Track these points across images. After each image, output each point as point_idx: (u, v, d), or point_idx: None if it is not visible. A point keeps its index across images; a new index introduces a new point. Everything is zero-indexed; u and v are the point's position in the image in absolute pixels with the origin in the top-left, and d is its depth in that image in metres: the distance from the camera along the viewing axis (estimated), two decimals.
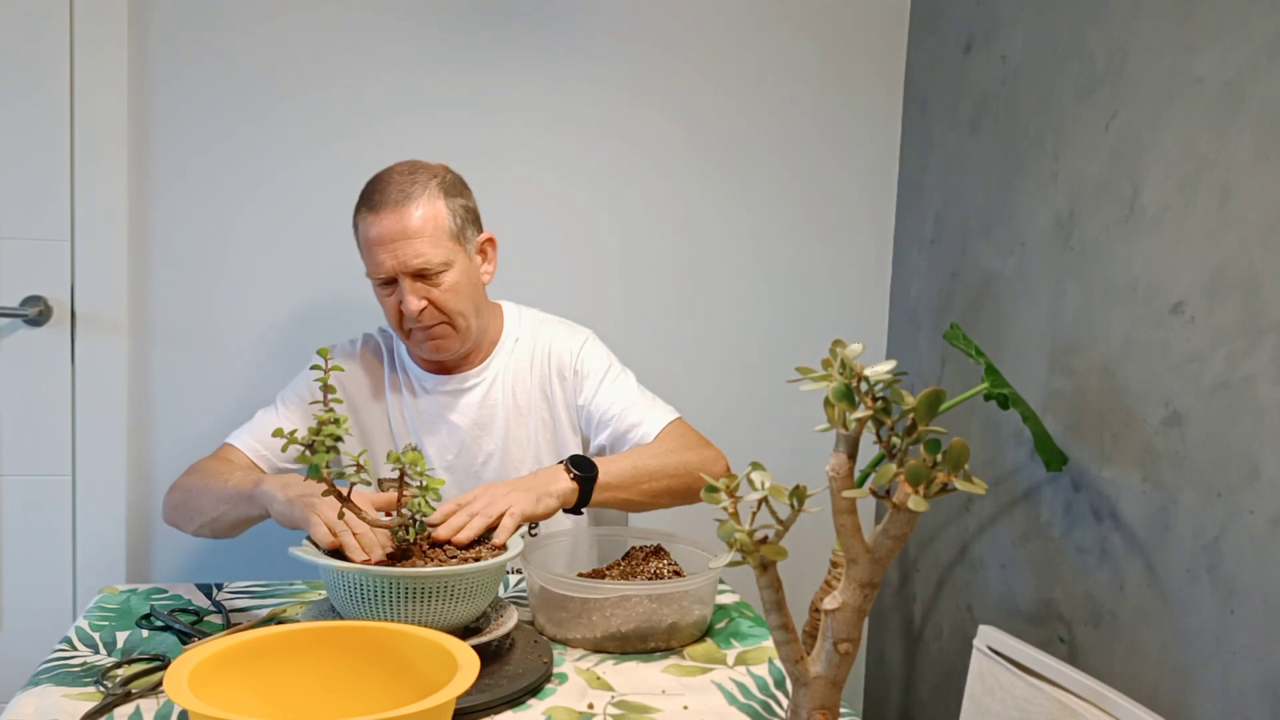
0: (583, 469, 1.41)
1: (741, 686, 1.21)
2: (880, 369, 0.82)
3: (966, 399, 1.63)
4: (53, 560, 1.95)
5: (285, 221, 2.00)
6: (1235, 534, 1.35)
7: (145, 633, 1.32)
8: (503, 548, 1.25)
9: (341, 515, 1.20)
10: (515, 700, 1.14)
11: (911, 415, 0.81)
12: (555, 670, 1.23)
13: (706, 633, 1.37)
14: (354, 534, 1.21)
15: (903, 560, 2.22)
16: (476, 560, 1.20)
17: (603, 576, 1.40)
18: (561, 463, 1.42)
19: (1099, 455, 1.60)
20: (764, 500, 0.86)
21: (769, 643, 1.34)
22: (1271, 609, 1.30)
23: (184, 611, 1.38)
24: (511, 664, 1.20)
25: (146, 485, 1.98)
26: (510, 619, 1.24)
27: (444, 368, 1.61)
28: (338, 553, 1.20)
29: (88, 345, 1.92)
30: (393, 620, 1.13)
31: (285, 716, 0.94)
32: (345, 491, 1.19)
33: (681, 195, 2.17)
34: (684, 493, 1.50)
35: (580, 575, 1.38)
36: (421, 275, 1.49)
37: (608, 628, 1.29)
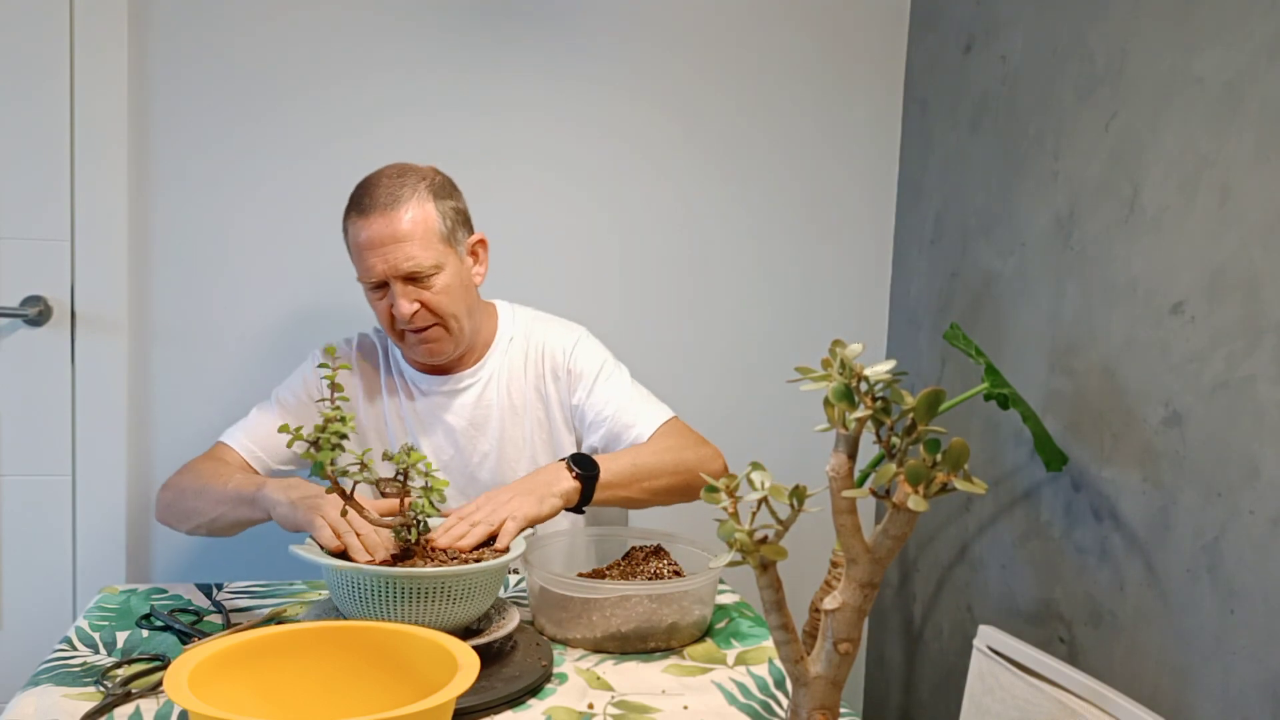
0: (584, 467, 1.41)
1: (741, 686, 1.21)
2: (880, 369, 0.82)
3: (966, 399, 1.63)
4: (53, 560, 1.95)
5: (285, 221, 2.00)
6: (1235, 534, 1.35)
7: (145, 633, 1.32)
8: (505, 549, 1.25)
9: (345, 514, 1.20)
10: (515, 700, 1.14)
11: (911, 415, 0.81)
12: (555, 670, 1.23)
13: (706, 633, 1.37)
14: (358, 534, 1.21)
15: (903, 560, 2.22)
16: (478, 561, 1.20)
17: (603, 576, 1.40)
18: (563, 461, 1.42)
19: (1099, 455, 1.60)
20: (764, 500, 0.86)
21: (769, 643, 1.34)
22: (1271, 609, 1.30)
23: (184, 611, 1.38)
24: (512, 664, 1.20)
25: (146, 485, 1.98)
26: (512, 620, 1.24)
27: (439, 368, 1.61)
28: (341, 552, 1.20)
29: (88, 345, 1.92)
30: (395, 620, 1.13)
31: (285, 716, 0.94)
32: (349, 490, 1.19)
33: (681, 195, 2.17)
34: (684, 490, 1.50)
35: (580, 575, 1.38)
36: (413, 278, 1.48)
37: (608, 628, 1.29)
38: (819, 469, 1.85)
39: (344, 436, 1.16)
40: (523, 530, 1.29)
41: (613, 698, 1.17)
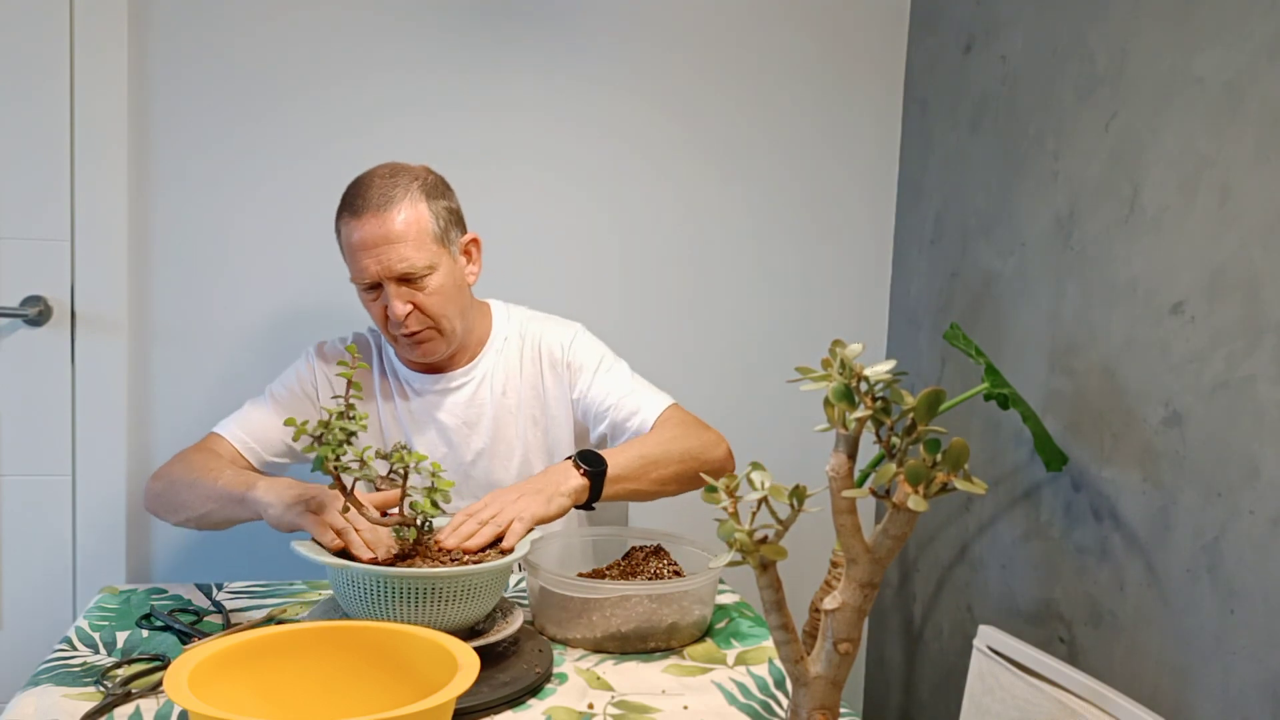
0: (592, 463, 1.40)
1: (741, 686, 1.21)
2: (880, 369, 0.82)
3: (966, 399, 1.63)
4: (53, 560, 1.95)
5: (285, 221, 2.00)
6: (1235, 534, 1.35)
7: (145, 633, 1.32)
8: (510, 549, 1.25)
9: (346, 511, 1.20)
10: (515, 700, 1.14)
11: (911, 415, 0.81)
12: (555, 670, 1.23)
13: (706, 633, 1.37)
14: (358, 532, 1.21)
15: (903, 560, 2.22)
16: (479, 562, 1.20)
17: (603, 576, 1.40)
18: (569, 459, 1.41)
19: (1099, 455, 1.60)
20: (764, 500, 0.86)
21: (769, 643, 1.34)
22: (1271, 609, 1.30)
23: (184, 611, 1.38)
24: (512, 664, 1.20)
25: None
26: (515, 621, 1.24)
27: (432, 367, 1.61)
28: (344, 551, 1.20)
29: (88, 345, 1.92)
30: (400, 620, 1.13)
31: (285, 716, 0.94)
32: (349, 486, 1.19)
33: (681, 195, 2.17)
34: (692, 478, 1.49)
35: (580, 575, 1.38)
36: (406, 279, 1.48)
37: (608, 628, 1.29)
38: (819, 469, 1.85)
39: (353, 434, 1.17)
40: (530, 531, 1.28)
41: (613, 698, 1.17)
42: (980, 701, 1.33)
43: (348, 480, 1.19)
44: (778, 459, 2.06)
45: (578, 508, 1.40)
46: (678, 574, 1.39)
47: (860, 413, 0.82)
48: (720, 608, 1.45)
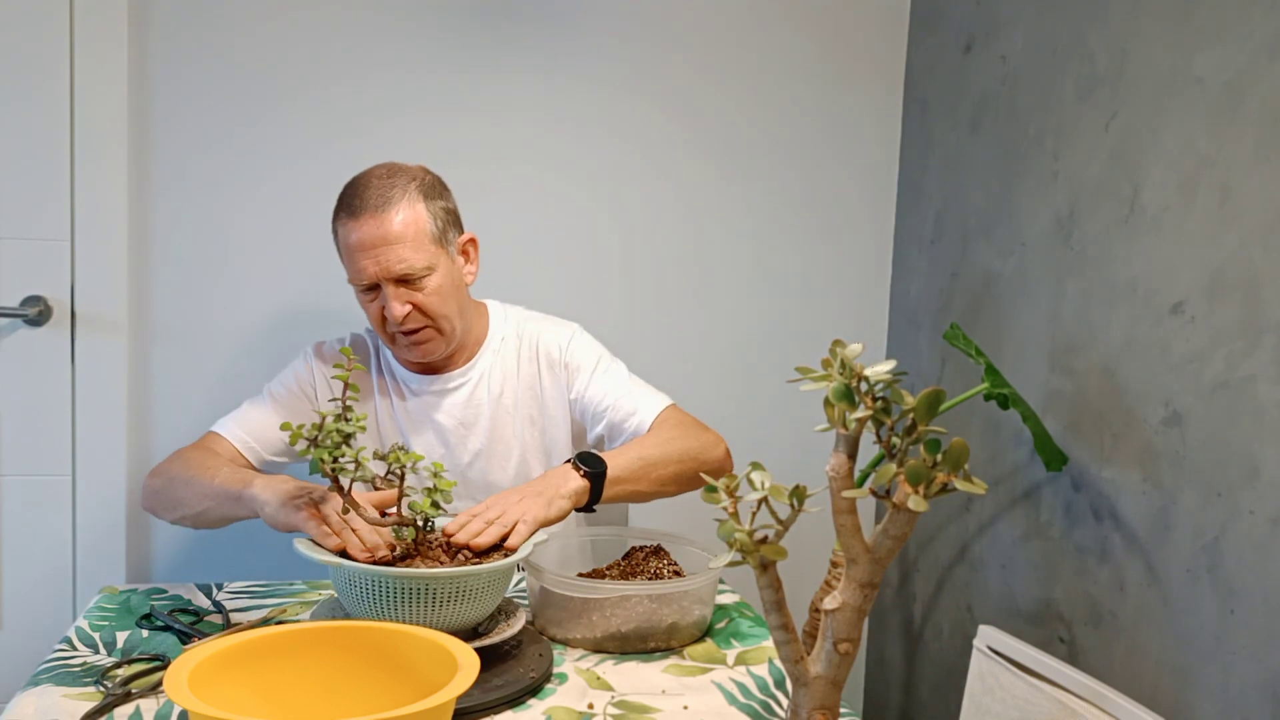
0: (592, 465, 1.39)
1: (741, 686, 1.21)
2: (880, 369, 0.82)
3: (966, 399, 1.63)
4: (53, 560, 1.95)
5: (285, 221, 2.00)
6: (1235, 534, 1.35)
7: (145, 633, 1.32)
8: (514, 549, 1.24)
9: (346, 512, 1.20)
10: (515, 700, 1.14)
11: (911, 415, 0.81)
12: (555, 670, 1.23)
13: (706, 633, 1.37)
14: (356, 532, 1.21)
15: (903, 560, 2.22)
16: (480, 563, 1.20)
17: (603, 576, 1.40)
18: (569, 461, 1.41)
19: (1099, 455, 1.60)
20: (764, 500, 0.86)
21: (769, 643, 1.34)
22: (1271, 609, 1.30)
23: (184, 611, 1.38)
24: (510, 666, 1.19)
25: None
26: (518, 622, 1.24)
27: (430, 368, 1.61)
28: (345, 550, 1.20)
29: (88, 345, 1.92)
30: (403, 620, 1.13)
31: (285, 716, 0.94)
32: (345, 487, 1.19)
33: (681, 195, 2.17)
34: (691, 478, 1.49)
35: (580, 575, 1.38)
36: (404, 280, 1.48)
37: (608, 628, 1.29)
38: (819, 469, 1.85)
39: (349, 436, 1.16)
40: (533, 534, 1.28)
41: (613, 698, 1.17)
42: (980, 701, 1.33)
43: (344, 482, 1.19)
44: (778, 459, 2.06)
45: (578, 510, 1.39)
46: (678, 574, 1.39)
47: (860, 413, 0.82)
48: (720, 608, 1.45)
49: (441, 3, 2.03)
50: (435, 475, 1.22)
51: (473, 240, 1.59)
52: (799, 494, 0.85)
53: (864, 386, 0.82)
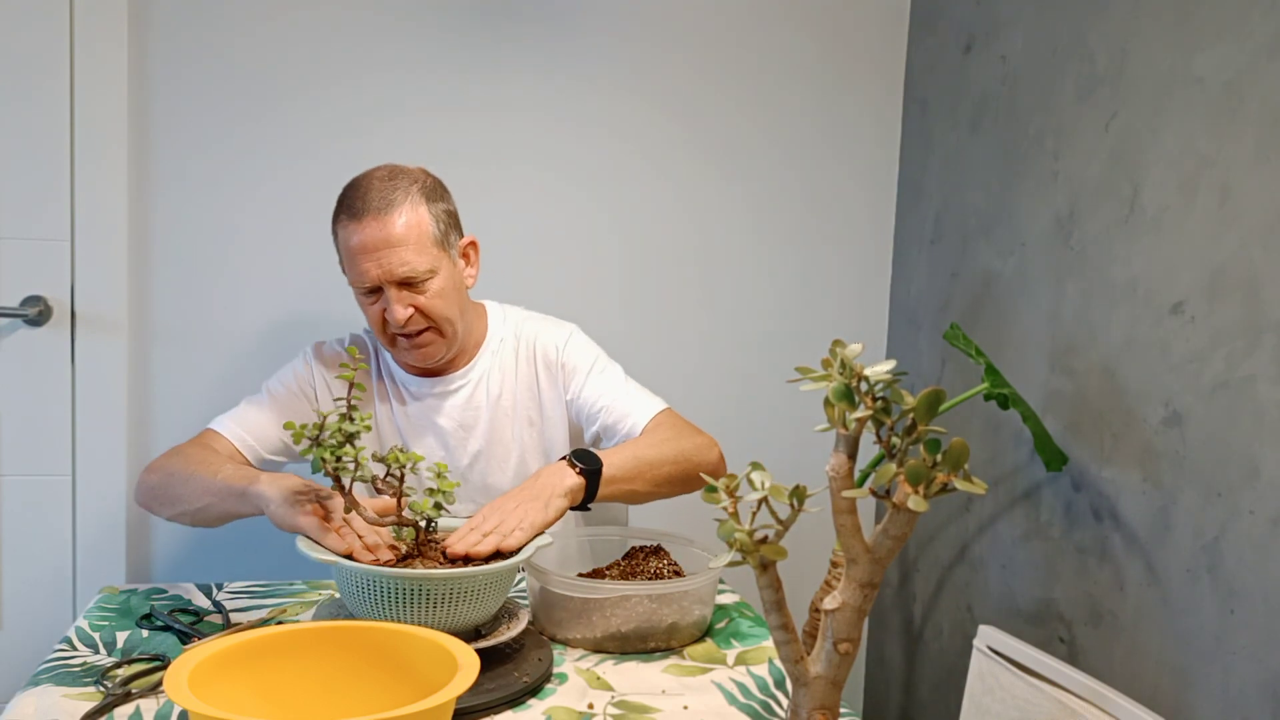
0: (587, 462, 1.39)
1: (741, 686, 1.21)
2: (880, 369, 0.82)
3: (966, 399, 1.63)
4: (53, 560, 1.95)
5: (285, 221, 2.00)
6: (1235, 534, 1.35)
7: (145, 633, 1.32)
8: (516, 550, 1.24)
9: (347, 511, 1.20)
10: (515, 700, 1.14)
11: (911, 415, 0.81)
12: (555, 670, 1.23)
13: (706, 633, 1.37)
14: (360, 536, 1.21)
15: (903, 560, 2.22)
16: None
17: (603, 576, 1.40)
18: (564, 458, 1.40)
19: (1099, 455, 1.60)
20: (764, 500, 0.86)
21: (769, 643, 1.34)
22: (1271, 609, 1.30)
23: (184, 611, 1.38)
24: (511, 664, 1.20)
25: None
26: (520, 622, 1.24)
27: (429, 370, 1.60)
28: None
29: (88, 345, 1.92)
30: (406, 621, 1.13)
31: (285, 716, 0.94)
32: (346, 486, 1.19)
33: (681, 195, 2.17)
34: (685, 480, 1.49)
35: (580, 575, 1.38)
36: (407, 283, 1.47)
37: (608, 628, 1.29)
38: (819, 469, 1.85)
39: (352, 435, 1.16)
40: (532, 539, 1.27)
41: (613, 698, 1.17)
42: (980, 701, 1.33)
43: (345, 481, 1.19)
44: (778, 459, 2.07)
45: (574, 509, 1.39)
46: (678, 574, 1.39)
47: (860, 413, 0.82)
48: (720, 608, 1.45)
49: (441, 3, 2.03)
50: (439, 476, 1.22)
51: (473, 243, 1.59)
52: (799, 494, 0.85)
53: (864, 386, 0.82)
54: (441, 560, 1.21)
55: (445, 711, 0.85)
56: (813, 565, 1.99)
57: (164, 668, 1.18)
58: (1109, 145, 1.60)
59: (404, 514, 1.23)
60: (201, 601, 1.43)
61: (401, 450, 1.21)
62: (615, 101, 2.11)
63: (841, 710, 0.98)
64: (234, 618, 1.36)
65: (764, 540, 0.87)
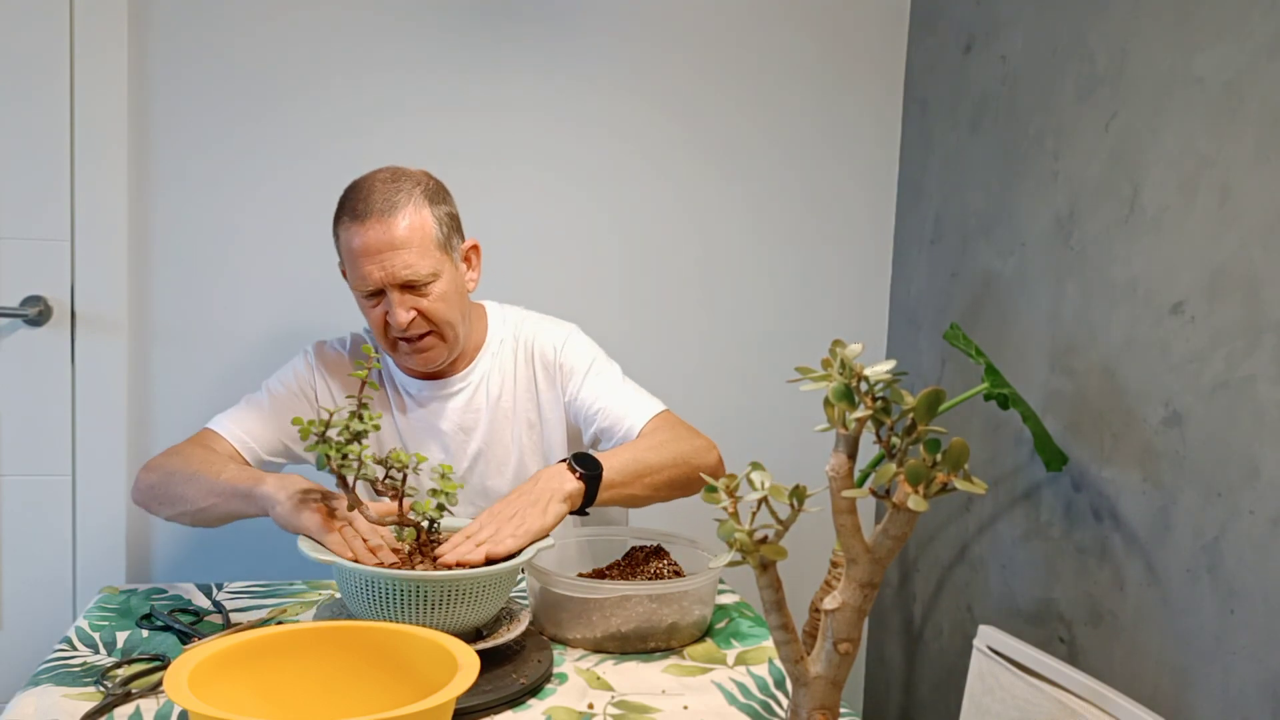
0: (587, 466, 1.37)
1: (741, 686, 1.21)
2: (880, 369, 0.82)
3: (966, 399, 1.63)
4: (53, 560, 1.95)
5: (285, 221, 2.00)
6: (1235, 534, 1.35)
7: (145, 633, 1.32)
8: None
9: (350, 509, 1.20)
10: (515, 700, 1.14)
11: (911, 415, 0.81)
12: (555, 670, 1.23)
13: (706, 633, 1.37)
14: (362, 536, 1.21)
15: (903, 560, 2.22)
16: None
17: (603, 576, 1.40)
18: (563, 462, 1.39)
19: (1099, 455, 1.60)
20: (764, 500, 0.86)
21: (769, 643, 1.34)
22: (1271, 609, 1.30)
23: (184, 611, 1.38)
24: (511, 664, 1.20)
25: None
26: (521, 623, 1.24)
27: (430, 373, 1.60)
28: None
29: (88, 345, 1.92)
30: (408, 622, 1.13)
31: (285, 716, 0.94)
32: (350, 484, 1.19)
33: (682, 195, 2.17)
34: (685, 483, 1.47)
35: (580, 575, 1.38)
36: (409, 287, 1.46)
37: (608, 628, 1.29)
38: (819, 469, 1.85)
39: (360, 434, 1.16)
40: (525, 546, 1.25)
41: (613, 698, 1.17)
42: (980, 701, 1.33)
43: (349, 479, 1.19)
44: (778, 459, 2.07)
45: (572, 513, 1.37)
46: (678, 574, 1.39)
47: (860, 413, 0.82)
48: (720, 608, 1.45)
49: (441, 3, 2.03)
50: (442, 478, 1.22)
51: (475, 247, 1.58)
52: (799, 494, 0.85)
53: (864, 386, 0.82)
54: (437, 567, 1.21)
55: (445, 711, 0.85)
56: (813, 565, 1.99)
57: (164, 668, 1.18)
58: (1109, 145, 1.60)
59: (407, 515, 1.23)
60: (201, 601, 1.43)
61: (404, 451, 1.21)
62: (615, 101, 2.11)
63: (841, 710, 0.98)
64: (234, 618, 1.36)
65: (764, 540, 0.87)
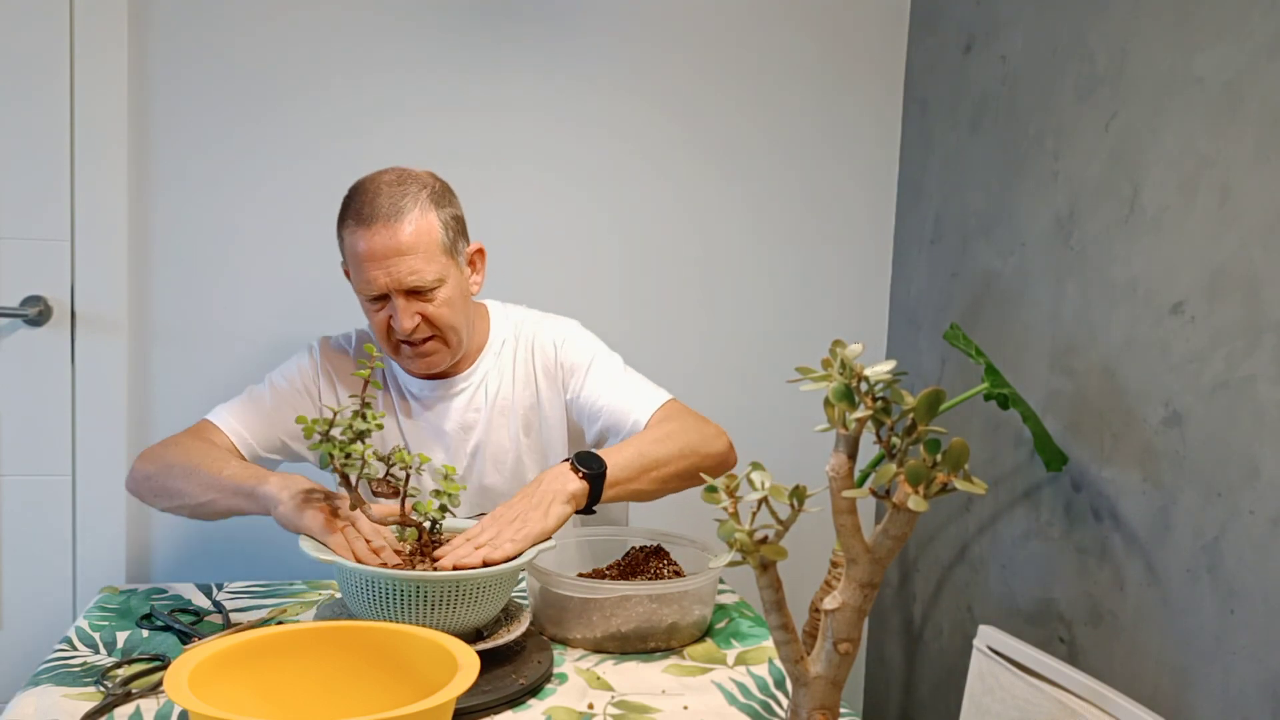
0: (590, 466, 1.35)
1: (741, 686, 1.21)
2: (880, 369, 0.82)
3: (966, 399, 1.63)
4: (53, 560, 1.95)
5: (285, 221, 2.00)
6: (1235, 534, 1.35)
7: (145, 633, 1.32)
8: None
9: (352, 508, 1.20)
10: (515, 700, 1.14)
11: (911, 415, 0.81)
12: (555, 670, 1.23)
13: (706, 633, 1.37)
14: (365, 537, 1.21)
15: (903, 560, 2.22)
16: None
17: (603, 576, 1.40)
18: (566, 461, 1.37)
19: (1099, 455, 1.60)
20: (764, 500, 0.86)
21: (769, 643, 1.34)
22: (1271, 609, 1.30)
23: (184, 611, 1.38)
24: (511, 664, 1.20)
25: None
26: (522, 624, 1.24)
27: (432, 373, 1.60)
28: None
29: (88, 345, 1.92)
30: (409, 622, 1.13)
31: (285, 716, 0.94)
32: (353, 483, 1.19)
33: (682, 195, 2.17)
34: (693, 473, 1.44)
35: (580, 575, 1.38)
36: (415, 292, 1.45)
37: (608, 628, 1.29)
38: (819, 469, 1.85)
39: (363, 433, 1.16)
40: (524, 550, 1.24)
41: (613, 698, 1.17)
42: (980, 701, 1.33)
43: (352, 478, 1.19)
44: (778, 459, 2.06)
45: (578, 512, 1.36)
46: (678, 574, 1.39)
47: (860, 413, 0.82)
48: (720, 608, 1.45)
49: (441, 3, 2.03)
50: (445, 479, 1.22)
51: (480, 251, 1.57)
52: (799, 494, 0.85)
53: (864, 386, 0.82)
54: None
55: (445, 711, 0.85)
56: (813, 565, 1.99)
57: (164, 668, 1.18)
58: (1109, 145, 1.60)
59: (409, 515, 1.23)
60: (201, 601, 1.43)
61: (405, 450, 1.21)
62: (615, 101, 2.11)
63: (841, 710, 0.98)
64: (234, 618, 1.36)
65: (764, 540, 0.87)
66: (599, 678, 1.22)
